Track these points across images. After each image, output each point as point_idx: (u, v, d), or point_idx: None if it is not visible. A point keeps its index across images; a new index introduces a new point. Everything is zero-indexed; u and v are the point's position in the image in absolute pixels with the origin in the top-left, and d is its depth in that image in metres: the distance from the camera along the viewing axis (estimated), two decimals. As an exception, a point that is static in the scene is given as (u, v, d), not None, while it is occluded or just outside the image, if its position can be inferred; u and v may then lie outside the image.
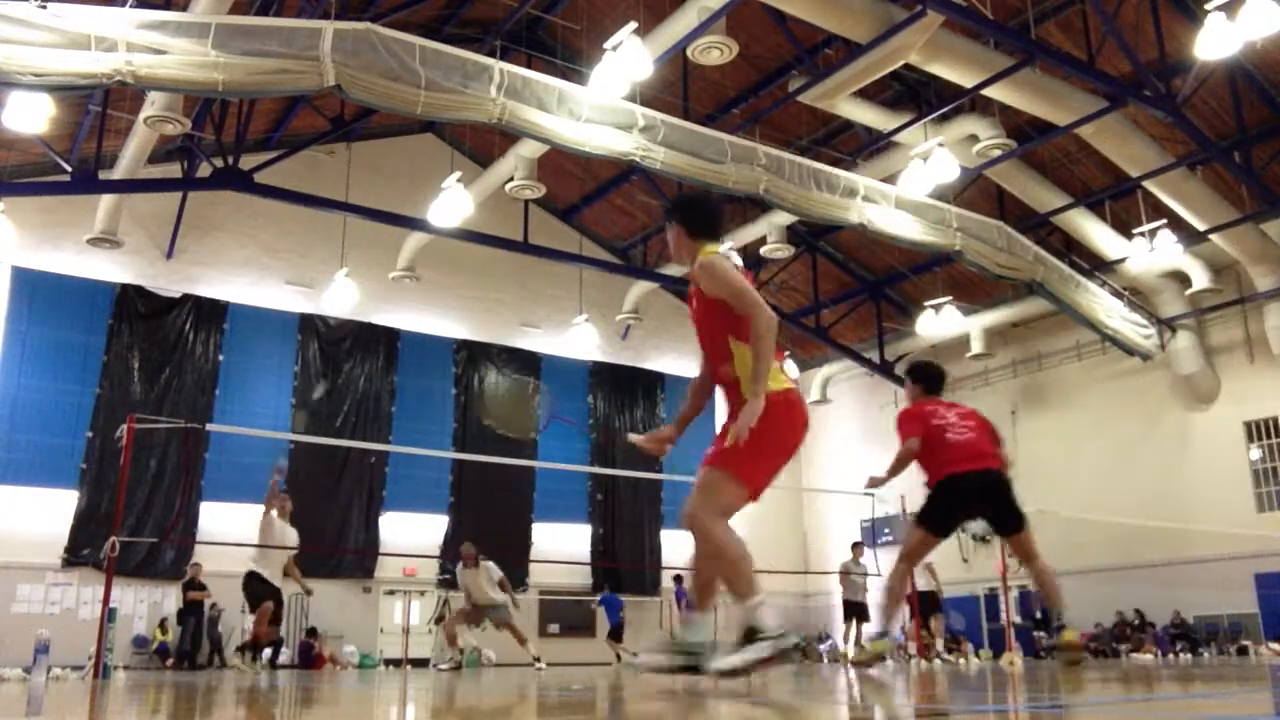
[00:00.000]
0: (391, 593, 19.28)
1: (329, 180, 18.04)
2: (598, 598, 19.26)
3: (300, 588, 11.58)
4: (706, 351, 4.19)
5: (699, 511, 3.87)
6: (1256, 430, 17.51)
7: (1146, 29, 13.39)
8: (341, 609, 18.58)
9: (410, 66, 10.69)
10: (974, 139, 14.90)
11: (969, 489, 6.68)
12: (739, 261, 4.38)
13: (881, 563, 16.31)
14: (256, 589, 10.61)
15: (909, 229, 14.97)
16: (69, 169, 13.64)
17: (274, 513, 10.75)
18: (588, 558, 21.68)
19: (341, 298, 18.94)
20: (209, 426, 16.18)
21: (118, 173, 15.00)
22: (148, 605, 17.08)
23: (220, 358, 18.59)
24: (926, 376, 7.27)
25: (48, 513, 16.58)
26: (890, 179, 15.27)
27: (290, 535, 10.98)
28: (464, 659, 13.61)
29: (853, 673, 7.27)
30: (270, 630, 10.88)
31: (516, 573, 20.86)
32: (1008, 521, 6.76)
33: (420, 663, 17.27)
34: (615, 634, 17.93)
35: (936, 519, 6.75)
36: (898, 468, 6.87)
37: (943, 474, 6.68)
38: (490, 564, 12.32)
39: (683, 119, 13.39)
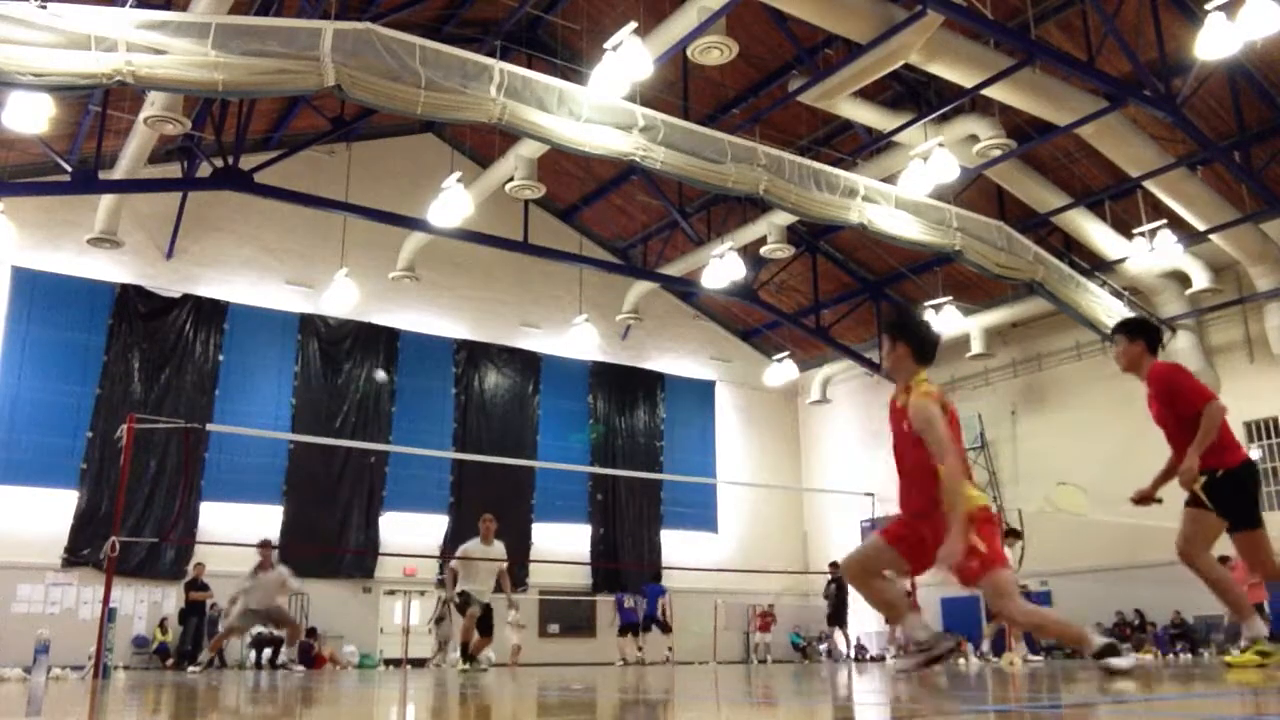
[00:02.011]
0: (391, 593, 19.28)
1: (329, 180, 18.04)
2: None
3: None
4: (901, 469, 4.35)
5: (1010, 606, 4.15)
6: (1256, 430, 17.49)
7: (1146, 29, 13.38)
8: (341, 609, 18.59)
9: (410, 66, 10.68)
10: (974, 139, 14.89)
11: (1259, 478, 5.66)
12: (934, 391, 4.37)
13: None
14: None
15: (909, 229, 14.96)
16: (69, 169, 13.61)
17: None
18: (588, 558, 21.68)
19: (341, 298, 18.92)
20: (209, 426, 16.21)
21: (118, 173, 15.00)
22: (148, 605, 17.09)
23: (220, 358, 18.59)
24: (1154, 333, 5.94)
25: (48, 513, 16.58)
26: (890, 179, 15.26)
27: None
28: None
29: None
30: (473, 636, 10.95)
31: (517, 572, 20.94)
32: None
33: (420, 662, 17.27)
34: (635, 628, 18.39)
35: (1254, 510, 5.63)
36: (1208, 437, 5.51)
37: (1242, 457, 5.65)
38: (284, 569, 11.98)
39: (683, 119, 13.38)
